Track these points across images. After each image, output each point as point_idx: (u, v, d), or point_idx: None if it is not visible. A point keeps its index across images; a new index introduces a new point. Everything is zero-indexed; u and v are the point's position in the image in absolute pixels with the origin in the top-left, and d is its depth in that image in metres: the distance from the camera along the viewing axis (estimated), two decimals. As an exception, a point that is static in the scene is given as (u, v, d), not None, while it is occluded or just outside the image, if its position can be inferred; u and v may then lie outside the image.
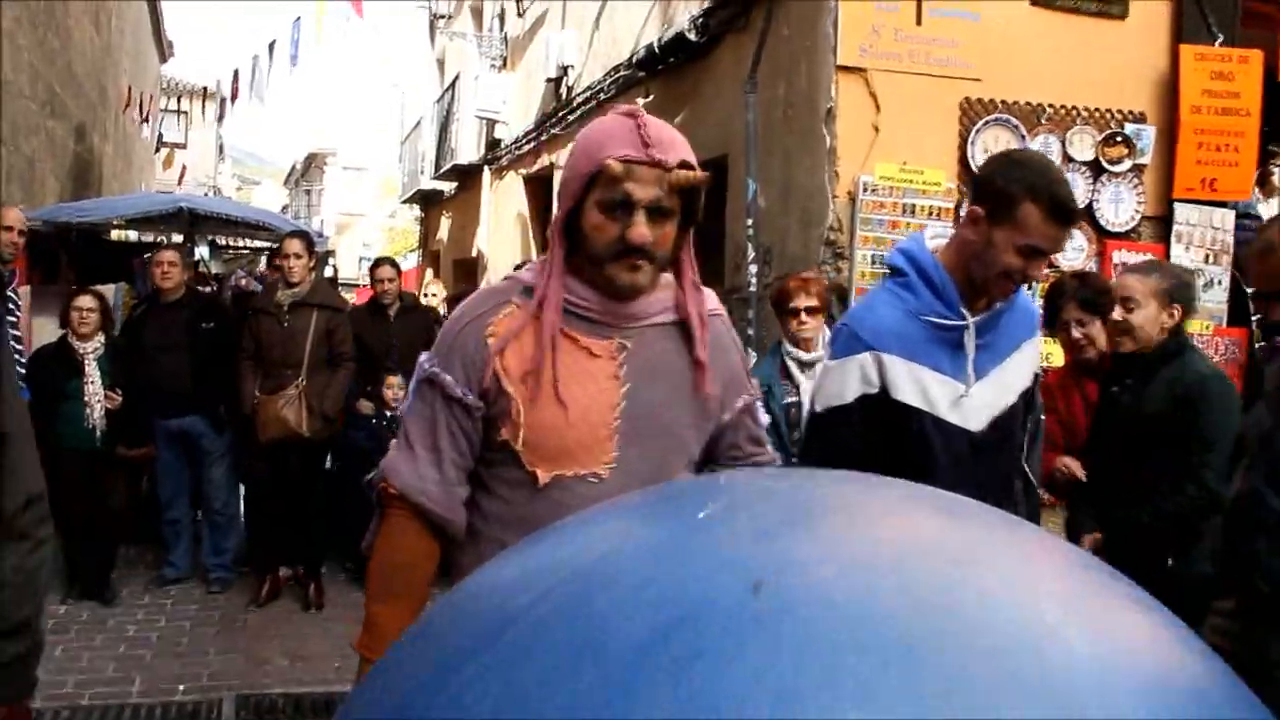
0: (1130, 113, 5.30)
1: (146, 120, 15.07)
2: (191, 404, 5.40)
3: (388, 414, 5.55)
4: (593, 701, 0.49)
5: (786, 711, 0.46)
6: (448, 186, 15.47)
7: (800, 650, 0.48)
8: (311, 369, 5.23)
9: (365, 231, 31.05)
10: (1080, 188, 5.07)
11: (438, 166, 14.72)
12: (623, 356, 1.63)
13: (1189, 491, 2.84)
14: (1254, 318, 5.13)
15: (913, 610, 0.51)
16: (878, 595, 0.52)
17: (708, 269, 2.09)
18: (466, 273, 14.05)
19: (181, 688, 4.25)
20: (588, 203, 1.57)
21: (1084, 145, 5.23)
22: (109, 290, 6.14)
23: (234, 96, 11.89)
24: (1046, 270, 3.14)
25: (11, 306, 5.15)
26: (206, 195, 19.04)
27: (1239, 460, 2.74)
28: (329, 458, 5.84)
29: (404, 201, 19.39)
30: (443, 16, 15.97)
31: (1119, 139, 5.25)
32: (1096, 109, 5.26)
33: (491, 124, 12.21)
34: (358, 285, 16.15)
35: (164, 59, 19.70)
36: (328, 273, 10.95)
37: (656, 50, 6.92)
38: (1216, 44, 5.27)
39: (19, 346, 5.23)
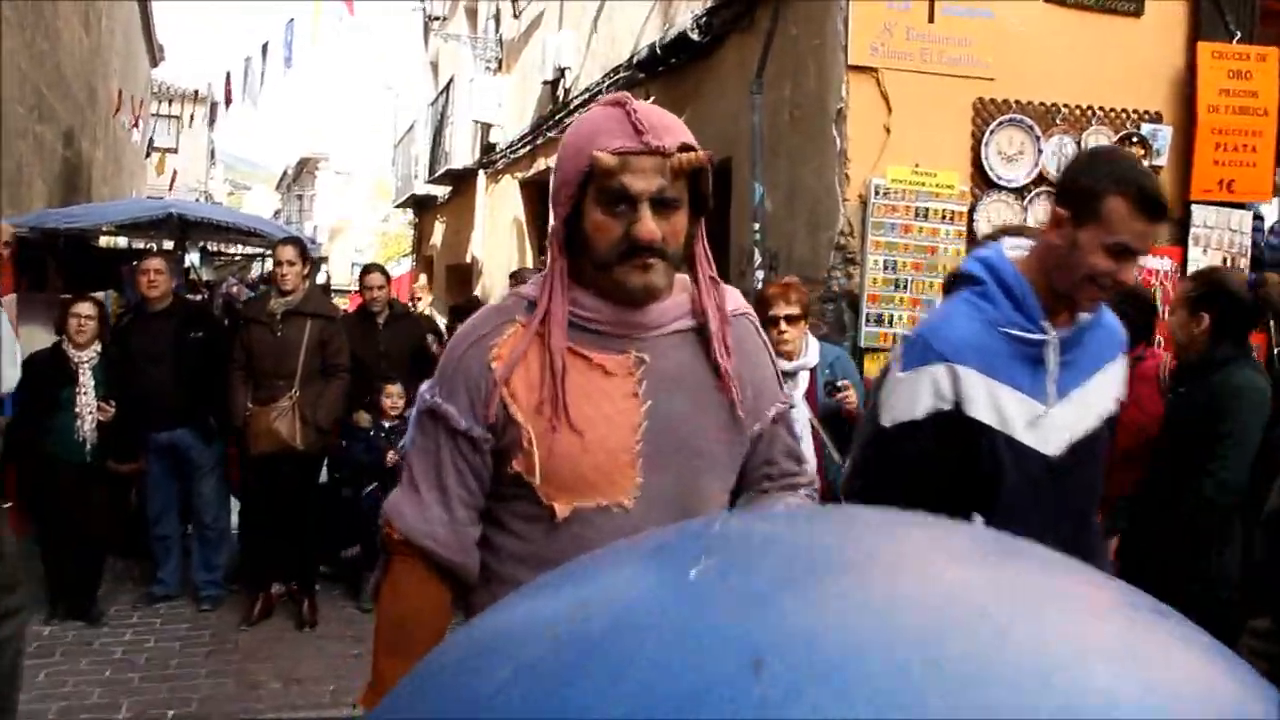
0: (1146, 112, 5.18)
1: (137, 125, 14.90)
2: (180, 416, 5.23)
3: (385, 425, 5.39)
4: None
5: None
6: (442, 191, 15.33)
7: None
8: (305, 380, 5.05)
9: (358, 237, 30.88)
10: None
11: (432, 170, 14.59)
12: (640, 371, 1.47)
13: (1204, 487, 2.83)
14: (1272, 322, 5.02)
15: (943, 691, 0.44)
16: (906, 674, 0.45)
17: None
18: (461, 279, 13.91)
19: (171, 713, 4.11)
20: (585, 204, 1.42)
21: (1100, 146, 5.11)
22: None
23: (227, 100, 11.71)
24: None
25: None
26: (197, 200, 18.89)
27: (1265, 470, 2.67)
28: (323, 470, 5.67)
29: (397, 206, 19.27)
30: (437, 18, 15.83)
31: (1135, 139, 5.12)
32: (1112, 109, 5.14)
33: (487, 127, 12.07)
34: (350, 291, 15.99)
35: (155, 63, 19.53)
36: (320, 279, 10.80)
37: (658, 51, 6.79)
38: (1234, 41, 5.16)
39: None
